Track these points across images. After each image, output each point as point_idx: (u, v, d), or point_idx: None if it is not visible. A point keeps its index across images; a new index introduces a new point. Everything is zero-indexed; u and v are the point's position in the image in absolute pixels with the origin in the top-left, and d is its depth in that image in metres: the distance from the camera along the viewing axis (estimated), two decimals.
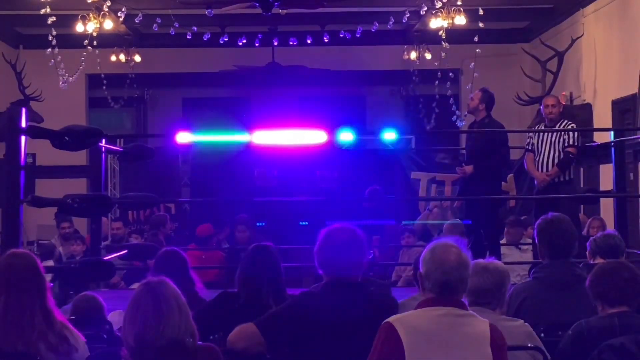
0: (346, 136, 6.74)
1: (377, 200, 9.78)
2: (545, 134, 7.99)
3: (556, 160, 7.83)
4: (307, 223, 9.71)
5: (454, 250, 3.19)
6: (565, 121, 8.00)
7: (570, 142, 7.79)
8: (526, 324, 3.76)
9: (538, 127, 8.65)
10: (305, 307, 3.64)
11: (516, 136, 11.16)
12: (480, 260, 3.79)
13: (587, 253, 4.91)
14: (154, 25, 11.53)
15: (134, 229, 10.83)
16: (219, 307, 4.38)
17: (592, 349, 3.52)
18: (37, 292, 3.56)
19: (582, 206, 9.95)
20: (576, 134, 7.87)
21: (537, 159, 7.99)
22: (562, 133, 7.83)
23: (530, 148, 8.12)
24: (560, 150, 7.83)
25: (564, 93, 11.31)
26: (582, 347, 3.63)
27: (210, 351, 3.10)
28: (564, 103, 10.34)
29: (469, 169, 7.65)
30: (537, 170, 7.96)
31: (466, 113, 8.23)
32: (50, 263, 8.20)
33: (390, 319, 3.13)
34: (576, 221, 7.10)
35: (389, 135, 7.00)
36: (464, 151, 8.67)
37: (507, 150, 8.00)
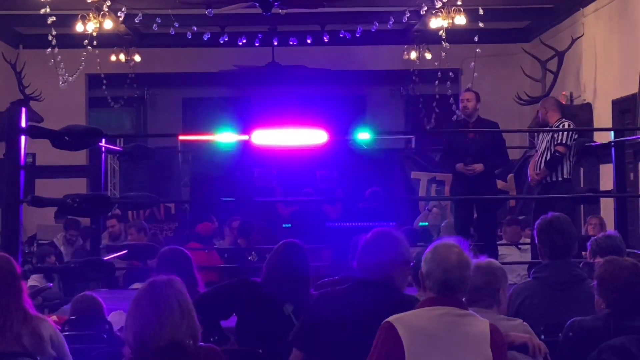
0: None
1: (377, 201, 9.80)
2: (543, 133, 8.02)
3: (548, 159, 7.85)
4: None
5: (455, 250, 3.20)
6: (563, 120, 7.98)
7: (559, 141, 7.77)
8: (525, 323, 3.75)
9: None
10: (323, 309, 3.68)
11: (516, 136, 11.17)
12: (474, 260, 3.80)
13: (587, 252, 4.89)
14: (154, 25, 11.52)
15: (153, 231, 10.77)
16: (239, 289, 4.44)
17: (587, 348, 3.52)
18: (14, 295, 3.59)
19: (582, 206, 9.95)
20: (567, 132, 7.83)
21: (536, 159, 8.02)
22: (560, 133, 7.82)
23: (536, 148, 8.19)
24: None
25: (564, 93, 11.31)
26: (577, 346, 3.63)
27: (212, 352, 3.10)
28: (564, 102, 10.33)
29: (478, 167, 7.61)
30: (533, 169, 8.00)
31: (462, 116, 8.18)
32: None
33: (390, 319, 3.13)
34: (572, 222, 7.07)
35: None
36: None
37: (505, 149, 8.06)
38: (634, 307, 3.66)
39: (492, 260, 3.99)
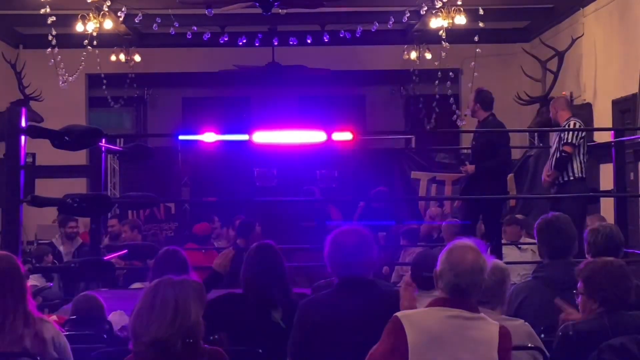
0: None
1: (382, 201, 9.83)
2: (554, 134, 7.99)
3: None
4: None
5: (471, 254, 3.16)
6: (570, 119, 7.93)
7: (566, 140, 7.75)
8: (526, 323, 3.75)
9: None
10: (314, 315, 3.68)
11: (516, 136, 11.16)
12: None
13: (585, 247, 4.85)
14: (154, 25, 11.54)
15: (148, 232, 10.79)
16: (224, 307, 4.38)
17: (583, 350, 3.51)
18: (18, 294, 3.58)
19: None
20: (573, 131, 7.80)
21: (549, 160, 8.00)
22: (566, 133, 7.78)
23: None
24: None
25: (564, 93, 11.30)
26: (573, 349, 3.62)
27: (216, 355, 3.10)
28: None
29: (470, 168, 7.65)
30: (546, 171, 7.96)
31: (465, 115, 8.24)
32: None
33: (399, 314, 3.13)
34: (581, 221, 7.04)
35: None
36: (468, 151, 8.68)
37: (507, 151, 7.99)
38: (623, 301, 3.68)
39: (498, 261, 3.98)
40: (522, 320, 3.77)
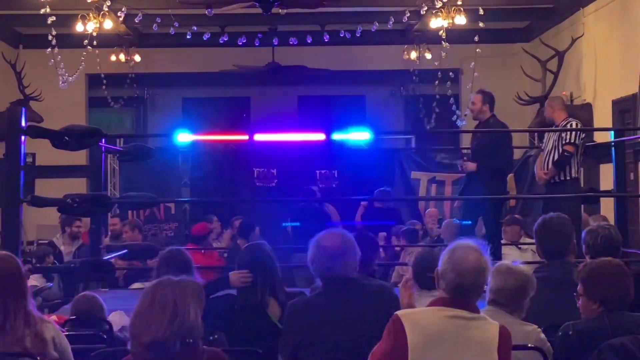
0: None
1: (383, 200, 9.82)
2: (550, 133, 8.01)
3: (556, 159, 7.84)
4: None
5: (473, 254, 3.16)
6: (570, 119, 7.96)
7: (567, 140, 7.76)
8: (539, 329, 3.74)
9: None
10: (302, 316, 3.71)
11: (516, 136, 11.16)
12: (507, 262, 3.81)
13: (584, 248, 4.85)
14: (154, 25, 11.53)
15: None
16: (219, 307, 4.39)
17: (583, 350, 3.51)
18: (19, 295, 3.58)
19: (582, 205, 9.93)
20: (574, 132, 7.83)
21: (543, 158, 8.01)
22: (568, 133, 7.80)
23: (542, 147, 8.18)
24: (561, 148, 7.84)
25: (564, 93, 11.31)
26: (573, 349, 3.62)
27: (215, 355, 3.11)
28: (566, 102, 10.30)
29: (472, 165, 7.66)
30: (541, 168, 7.98)
31: (465, 115, 8.24)
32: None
33: (400, 313, 3.13)
34: (577, 221, 7.05)
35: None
36: (467, 151, 8.68)
37: (509, 151, 8.01)
38: (623, 301, 3.68)
39: (523, 266, 3.97)
40: (535, 326, 3.76)
